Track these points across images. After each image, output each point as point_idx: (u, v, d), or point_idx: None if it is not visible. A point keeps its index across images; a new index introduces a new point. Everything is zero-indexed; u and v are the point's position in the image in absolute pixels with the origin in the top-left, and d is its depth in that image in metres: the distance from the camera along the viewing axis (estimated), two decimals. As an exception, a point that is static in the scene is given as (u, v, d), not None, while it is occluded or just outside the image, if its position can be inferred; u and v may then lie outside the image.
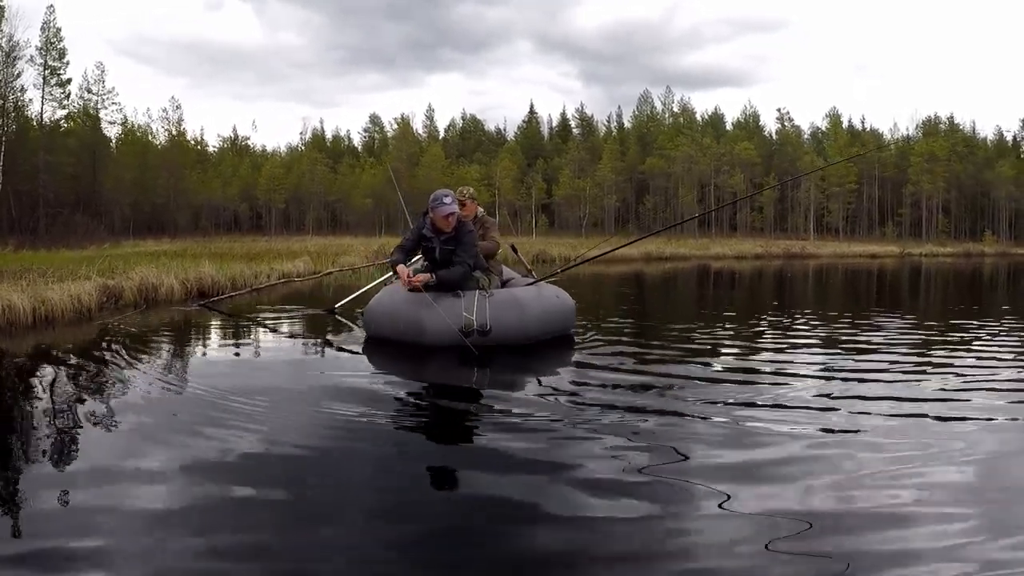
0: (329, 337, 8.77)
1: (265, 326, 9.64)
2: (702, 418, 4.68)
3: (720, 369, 6.65)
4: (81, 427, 4.45)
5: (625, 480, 3.56)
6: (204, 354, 7.69)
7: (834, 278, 26.05)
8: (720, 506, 3.23)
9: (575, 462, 3.82)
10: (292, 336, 8.95)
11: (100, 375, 6.09)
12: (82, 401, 5.18)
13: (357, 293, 11.07)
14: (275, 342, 8.50)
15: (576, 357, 7.33)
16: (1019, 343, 8.61)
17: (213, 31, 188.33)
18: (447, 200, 7.42)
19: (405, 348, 7.16)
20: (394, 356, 7.23)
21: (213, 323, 10.02)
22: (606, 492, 3.42)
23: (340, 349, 7.78)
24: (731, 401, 5.18)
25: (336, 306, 10.77)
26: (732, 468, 3.73)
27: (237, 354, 7.50)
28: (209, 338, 8.87)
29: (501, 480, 3.63)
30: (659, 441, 4.20)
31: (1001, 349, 7.99)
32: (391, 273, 9.58)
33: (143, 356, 7.01)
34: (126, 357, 6.83)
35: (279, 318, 10.43)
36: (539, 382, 6.07)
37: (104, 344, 7.67)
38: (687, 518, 3.17)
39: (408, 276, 7.30)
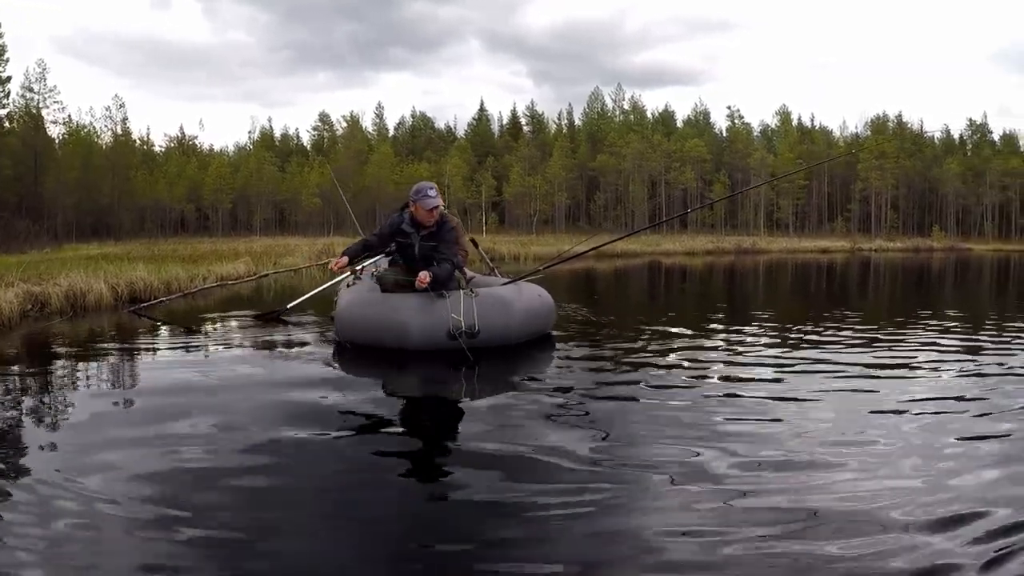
0: (288, 344, 7.89)
1: (208, 333, 8.72)
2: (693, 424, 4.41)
3: (706, 369, 6.43)
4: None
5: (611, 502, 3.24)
6: (139, 366, 6.78)
7: (789, 273, 26.05)
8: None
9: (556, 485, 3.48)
10: (243, 344, 7.93)
11: (14, 391, 5.55)
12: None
13: (311, 293, 10.37)
14: (224, 351, 7.50)
15: (562, 359, 6.98)
16: (968, 338, 8.46)
17: (161, 30, 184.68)
18: (432, 193, 7.12)
19: (384, 354, 6.69)
20: (372, 363, 6.74)
21: (147, 331, 9.14)
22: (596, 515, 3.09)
23: (305, 359, 6.96)
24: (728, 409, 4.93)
25: (287, 306, 9.90)
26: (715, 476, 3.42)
27: (181, 366, 6.65)
28: (143, 347, 7.85)
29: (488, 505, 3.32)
30: (643, 456, 3.86)
31: (950, 344, 7.97)
32: (348, 274, 9.01)
33: (65, 370, 6.50)
34: (46, 371, 6.35)
35: (225, 324, 9.53)
36: (534, 389, 5.64)
37: (23, 356, 7.17)
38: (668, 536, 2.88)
39: (335, 265, 7.25)
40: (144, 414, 4.83)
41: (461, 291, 6.86)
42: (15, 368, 6.69)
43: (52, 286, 11.01)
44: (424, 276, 6.73)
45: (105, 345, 7.99)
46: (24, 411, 4.93)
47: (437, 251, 7.17)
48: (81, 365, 6.73)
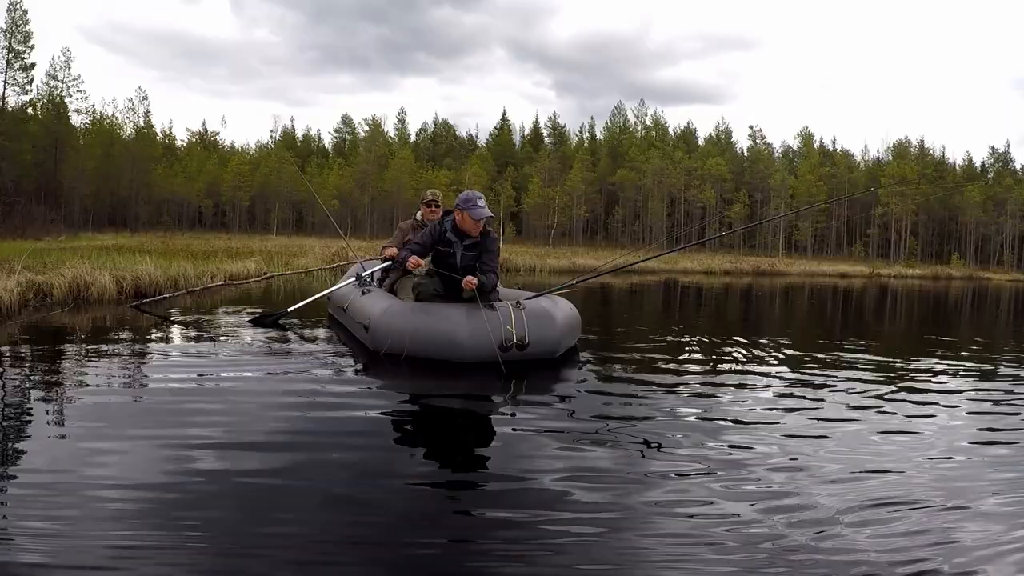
0: (304, 348, 7.60)
1: (211, 334, 8.29)
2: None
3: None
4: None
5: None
6: (133, 366, 6.31)
7: (811, 299, 25.75)
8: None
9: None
10: (252, 348, 7.38)
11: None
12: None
13: (315, 297, 9.68)
14: (229, 354, 6.97)
15: (596, 373, 6.84)
16: (983, 372, 8.07)
17: (189, 24, 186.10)
18: (481, 203, 6.88)
19: (423, 365, 6.41)
20: (409, 374, 6.38)
21: (147, 328, 8.83)
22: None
23: (331, 367, 6.53)
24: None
25: (289, 309, 9.36)
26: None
27: (178, 367, 6.27)
28: (140, 346, 7.47)
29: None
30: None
31: (962, 373, 7.83)
32: (353, 279, 8.69)
33: (56, 364, 6.27)
34: (36, 364, 6.15)
35: (231, 325, 9.03)
36: (571, 405, 5.56)
37: (16, 348, 6.96)
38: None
39: (416, 263, 6.86)
40: (130, 418, 4.54)
41: (508, 303, 6.69)
42: (5, 361, 6.42)
43: (56, 276, 10.83)
44: (471, 279, 6.59)
45: (101, 340, 7.66)
46: (6, 405, 4.71)
47: (480, 261, 7.00)
48: (74, 360, 6.45)
